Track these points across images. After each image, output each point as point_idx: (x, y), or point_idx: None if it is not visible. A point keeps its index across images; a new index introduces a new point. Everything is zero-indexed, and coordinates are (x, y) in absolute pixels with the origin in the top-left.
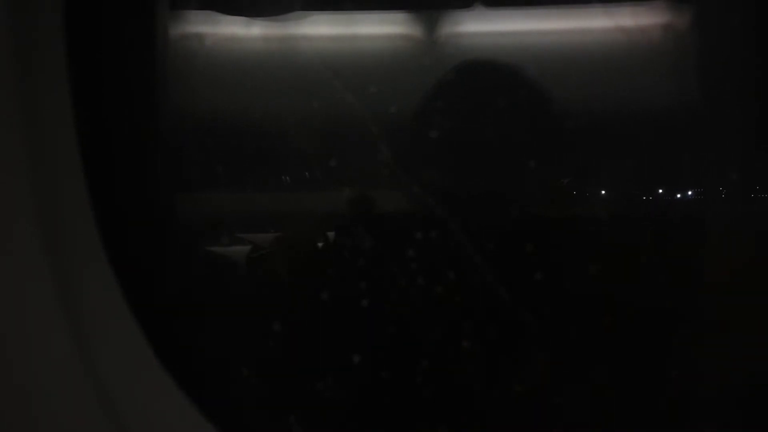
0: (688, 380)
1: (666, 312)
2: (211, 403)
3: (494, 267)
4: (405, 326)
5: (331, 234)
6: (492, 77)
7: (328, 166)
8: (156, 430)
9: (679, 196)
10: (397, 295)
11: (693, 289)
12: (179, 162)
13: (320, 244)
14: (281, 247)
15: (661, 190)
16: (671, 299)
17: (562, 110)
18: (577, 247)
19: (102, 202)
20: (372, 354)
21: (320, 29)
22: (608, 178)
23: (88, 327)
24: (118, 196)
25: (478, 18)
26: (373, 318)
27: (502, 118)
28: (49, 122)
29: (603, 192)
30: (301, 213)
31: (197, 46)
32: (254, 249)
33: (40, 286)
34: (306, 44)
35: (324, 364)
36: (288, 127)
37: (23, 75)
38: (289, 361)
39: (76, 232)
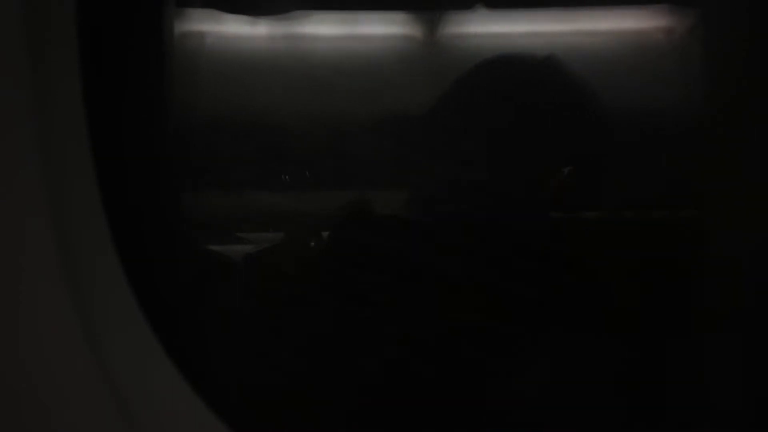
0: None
1: (669, 314)
2: (222, 402)
3: (498, 267)
4: (405, 327)
5: (331, 234)
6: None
7: (330, 166)
8: (166, 427)
9: (678, 200)
10: (397, 295)
11: (696, 291)
12: (183, 159)
13: (321, 244)
14: (282, 246)
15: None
16: (673, 302)
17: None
18: (582, 246)
19: (112, 198)
20: (376, 354)
21: (323, 29)
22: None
23: (98, 324)
24: (128, 193)
25: (479, 20)
26: (373, 317)
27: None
28: (59, 118)
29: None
30: (303, 212)
31: (201, 44)
32: (256, 248)
33: (51, 284)
34: (309, 43)
35: (330, 363)
36: (289, 126)
37: (35, 70)
38: (297, 360)
39: (87, 229)
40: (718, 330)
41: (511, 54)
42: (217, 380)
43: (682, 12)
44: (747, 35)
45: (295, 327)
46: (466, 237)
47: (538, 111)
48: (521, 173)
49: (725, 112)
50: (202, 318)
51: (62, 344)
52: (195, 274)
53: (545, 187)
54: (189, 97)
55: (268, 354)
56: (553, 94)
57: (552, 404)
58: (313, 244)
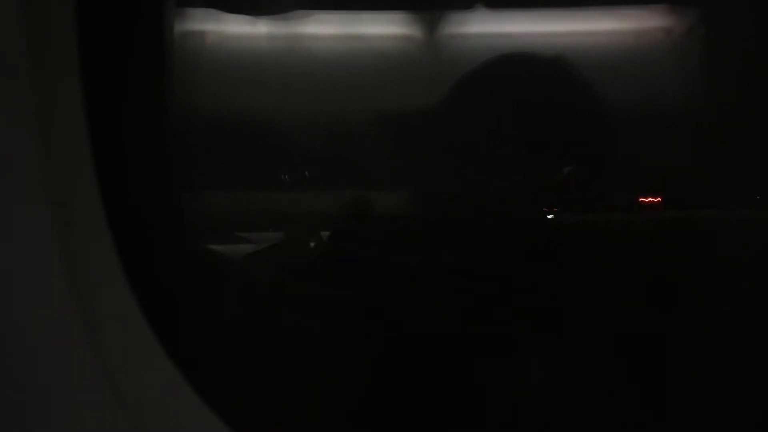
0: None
1: (668, 315)
2: (222, 401)
3: (498, 265)
4: (406, 326)
5: (331, 234)
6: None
7: (330, 166)
8: (166, 427)
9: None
10: (397, 295)
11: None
12: (183, 159)
13: (321, 244)
14: (282, 246)
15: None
16: (673, 302)
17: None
18: (581, 246)
19: (112, 198)
20: (376, 352)
21: (323, 29)
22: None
23: (99, 324)
24: (128, 192)
25: (479, 19)
26: (373, 317)
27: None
28: (60, 118)
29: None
30: (303, 212)
31: (201, 44)
32: (256, 248)
33: (52, 284)
34: (309, 43)
35: (330, 362)
36: (289, 126)
37: (36, 69)
38: (297, 359)
39: (87, 229)
40: (719, 330)
41: (518, 53)
42: (217, 380)
43: (682, 12)
44: (747, 35)
45: (295, 326)
46: (468, 236)
47: (542, 110)
48: (523, 173)
49: (725, 112)
50: (202, 318)
51: (63, 344)
52: (195, 274)
53: (547, 186)
54: (189, 97)
55: (268, 353)
56: (558, 94)
57: (554, 405)
58: (313, 244)
